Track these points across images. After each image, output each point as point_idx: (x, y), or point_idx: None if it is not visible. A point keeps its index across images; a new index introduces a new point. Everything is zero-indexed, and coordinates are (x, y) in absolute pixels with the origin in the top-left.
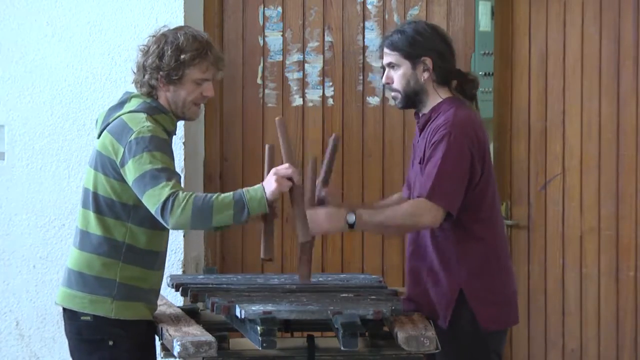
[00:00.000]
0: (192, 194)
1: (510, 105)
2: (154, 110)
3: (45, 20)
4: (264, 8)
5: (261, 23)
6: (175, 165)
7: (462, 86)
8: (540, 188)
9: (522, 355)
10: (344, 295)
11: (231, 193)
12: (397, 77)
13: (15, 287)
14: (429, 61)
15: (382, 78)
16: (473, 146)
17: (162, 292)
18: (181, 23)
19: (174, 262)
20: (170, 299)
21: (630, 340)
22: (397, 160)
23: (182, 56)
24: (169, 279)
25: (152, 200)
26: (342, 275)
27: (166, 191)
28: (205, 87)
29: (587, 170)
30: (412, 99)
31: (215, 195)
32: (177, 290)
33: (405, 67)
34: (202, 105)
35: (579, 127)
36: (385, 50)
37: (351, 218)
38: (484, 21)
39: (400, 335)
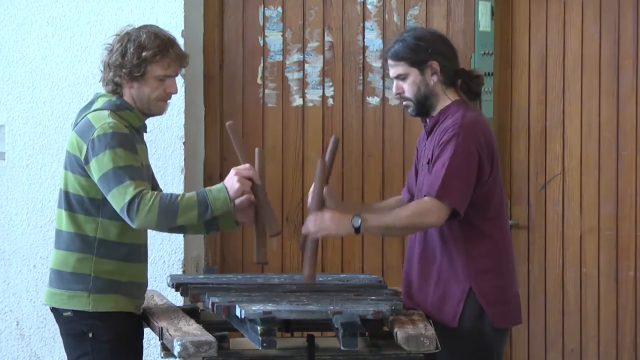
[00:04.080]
0: (157, 194)
1: (510, 105)
2: (118, 107)
3: (45, 20)
4: (264, 8)
5: (261, 23)
6: (175, 163)
7: (468, 84)
8: (540, 188)
9: (522, 355)
10: (344, 295)
11: (194, 193)
12: (408, 86)
13: (15, 287)
14: (435, 64)
15: (392, 89)
16: (481, 147)
17: (162, 292)
18: (181, 23)
19: (174, 262)
20: (171, 299)
21: (630, 340)
22: (397, 160)
23: (144, 53)
24: (169, 279)
25: (116, 199)
26: (342, 275)
27: (130, 191)
28: (167, 84)
29: (587, 170)
30: (424, 104)
31: (180, 195)
32: (177, 290)
33: (414, 74)
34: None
35: (579, 127)
36: (390, 62)
37: (357, 222)
38: (484, 21)
39: (400, 335)
